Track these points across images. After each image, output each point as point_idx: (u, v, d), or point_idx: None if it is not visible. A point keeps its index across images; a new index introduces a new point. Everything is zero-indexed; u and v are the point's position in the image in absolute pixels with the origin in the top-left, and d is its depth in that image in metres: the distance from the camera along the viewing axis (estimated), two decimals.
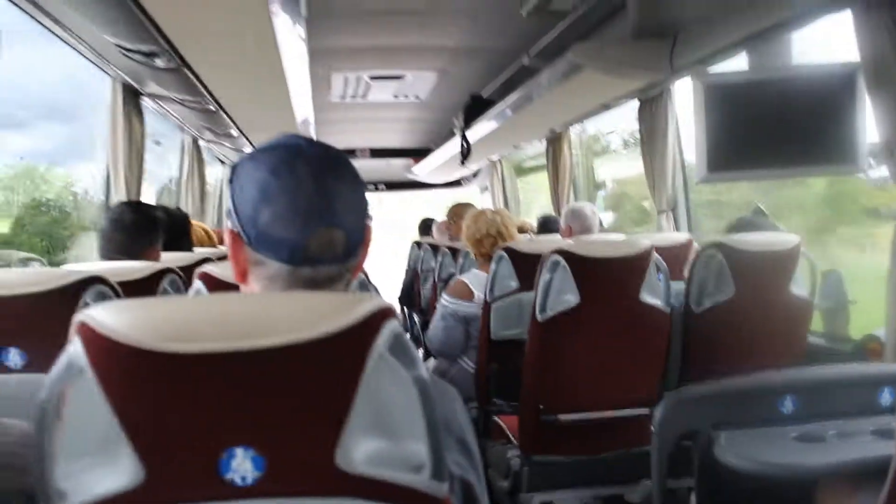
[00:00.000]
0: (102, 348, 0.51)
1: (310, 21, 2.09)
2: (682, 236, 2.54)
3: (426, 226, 5.44)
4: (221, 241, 2.95)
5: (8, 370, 1.07)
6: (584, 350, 1.74)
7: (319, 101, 3.81)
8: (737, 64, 1.89)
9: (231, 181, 0.75)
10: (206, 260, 1.94)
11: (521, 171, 6.06)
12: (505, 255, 2.04)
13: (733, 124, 1.57)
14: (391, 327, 0.56)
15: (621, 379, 1.75)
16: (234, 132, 3.54)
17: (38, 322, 1.07)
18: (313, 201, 0.71)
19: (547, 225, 3.39)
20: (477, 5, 2.58)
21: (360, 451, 0.55)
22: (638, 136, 3.02)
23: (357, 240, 0.76)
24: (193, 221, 2.67)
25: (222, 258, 2.03)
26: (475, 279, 2.28)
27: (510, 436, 1.94)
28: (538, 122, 3.75)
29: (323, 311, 0.55)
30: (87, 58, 2.32)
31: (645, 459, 0.96)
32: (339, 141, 5.32)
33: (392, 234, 9.57)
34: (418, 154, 5.93)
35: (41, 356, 1.06)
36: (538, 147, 4.44)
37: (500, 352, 2.04)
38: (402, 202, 8.81)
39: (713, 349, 1.73)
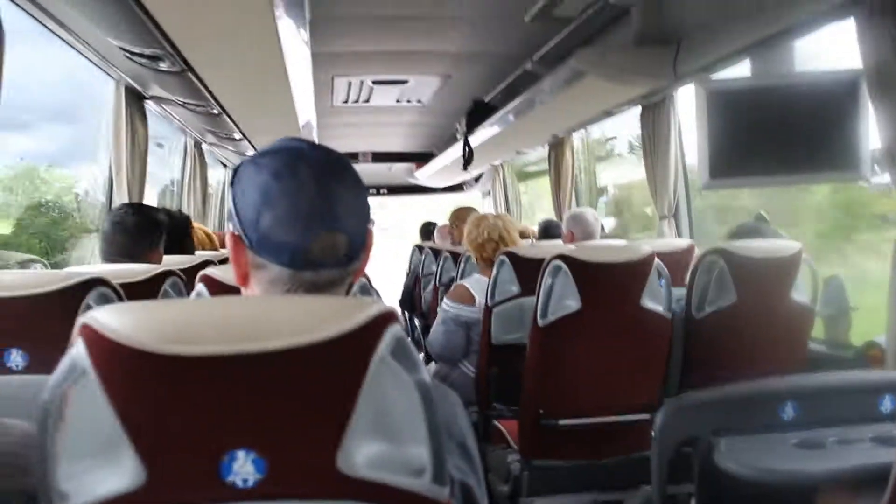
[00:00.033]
0: (105, 350, 0.52)
1: (313, 25, 2.10)
2: (683, 242, 2.55)
3: (428, 230, 5.44)
4: (223, 244, 2.95)
5: (10, 371, 1.08)
6: (584, 355, 1.74)
7: (322, 105, 3.82)
8: (740, 71, 1.90)
9: (233, 184, 0.76)
10: (207, 263, 1.95)
11: (524, 175, 6.06)
12: (506, 259, 2.04)
13: (736, 131, 1.57)
14: (394, 331, 0.56)
15: (622, 384, 1.75)
16: (237, 135, 3.55)
17: (40, 323, 1.08)
18: (315, 205, 0.71)
19: (549, 230, 3.39)
20: (480, 11, 2.59)
21: (362, 454, 0.55)
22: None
23: (359, 244, 0.76)
24: (195, 224, 2.68)
25: (223, 261, 2.04)
26: (476, 284, 2.28)
27: (510, 440, 1.94)
28: (541, 127, 3.75)
29: (326, 314, 0.55)
30: (90, 60, 2.33)
31: (645, 465, 0.95)
32: (341, 145, 5.32)
33: (393, 238, 9.58)
34: (420, 158, 5.93)
35: (43, 357, 1.06)
36: (542, 151, 4.45)
37: (501, 356, 2.04)
38: (404, 206, 8.83)
39: (714, 355, 1.73)
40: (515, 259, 2.04)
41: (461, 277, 2.60)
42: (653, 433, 0.94)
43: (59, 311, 1.07)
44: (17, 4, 1.80)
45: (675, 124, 2.82)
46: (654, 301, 1.73)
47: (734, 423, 0.89)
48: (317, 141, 0.92)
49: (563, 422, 1.73)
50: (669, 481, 0.91)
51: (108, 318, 0.52)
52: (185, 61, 2.09)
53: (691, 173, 2.92)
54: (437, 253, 3.71)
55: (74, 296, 1.10)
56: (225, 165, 5.06)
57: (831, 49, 1.95)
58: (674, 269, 1.90)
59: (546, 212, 4.81)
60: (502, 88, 3.55)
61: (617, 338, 1.72)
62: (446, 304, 2.32)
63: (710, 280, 1.72)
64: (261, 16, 1.72)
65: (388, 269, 6.56)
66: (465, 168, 4.43)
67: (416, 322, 4.37)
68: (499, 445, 2.00)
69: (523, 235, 3.12)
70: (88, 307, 1.10)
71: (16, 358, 1.08)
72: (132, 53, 1.99)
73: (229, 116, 3.06)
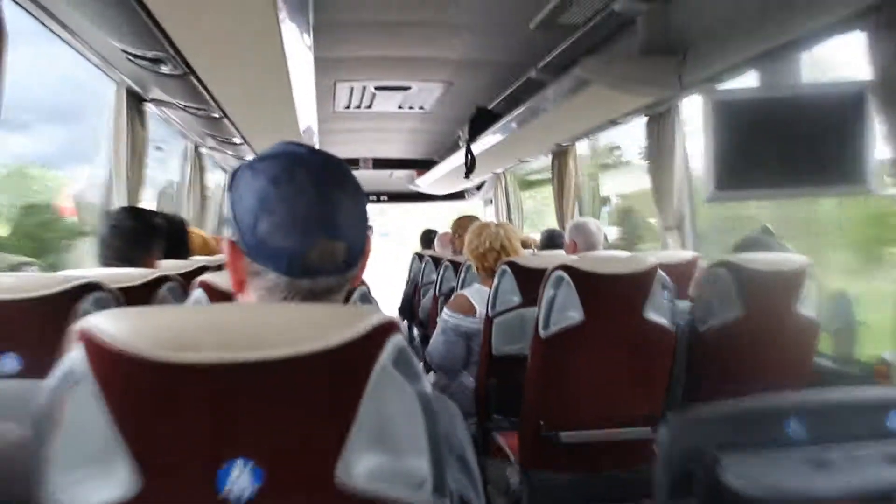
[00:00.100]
0: (104, 357, 0.52)
1: (316, 30, 2.10)
2: (688, 254, 2.54)
3: (428, 238, 5.44)
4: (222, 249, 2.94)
5: (4, 376, 1.07)
6: (586, 367, 1.73)
7: (323, 111, 3.83)
8: (746, 81, 1.90)
9: (230, 189, 0.75)
10: (204, 268, 1.95)
11: (528, 184, 6.06)
12: (508, 269, 2.04)
13: (742, 142, 1.57)
14: (395, 341, 0.56)
15: (624, 397, 1.75)
16: (237, 139, 3.56)
17: (36, 327, 1.07)
18: (313, 211, 0.71)
19: (552, 240, 3.39)
20: (484, 18, 2.60)
21: (362, 465, 0.55)
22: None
23: (357, 251, 0.75)
24: (193, 229, 2.68)
25: (220, 266, 2.04)
26: (477, 294, 2.28)
27: (509, 453, 1.92)
28: (544, 136, 3.76)
29: (327, 323, 0.55)
30: (91, 62, 2.34)
31: (647, 479, 0.95)
32: (342, 150, 5.35)
33: (393, 244, 9.59)
34: (422, 165, 5.94)
35: (38, 362, 1.06)
36: (546, 160, 4.46)
37: (501, 367, 2.04)
38: (405, 212, 8.83)
39: (719, 369, 1.72)
40: (517, 269, 2.03)
41: (462, 287, 2.60)
42: (656, 447, 0.93)
43: (55, 315, 1.07)
44: (19, 5, 1.81)
45: (680, 135, 2.83)
46: (657, 313, 1.73)
47: (739, 439, 0.88)
48: (318, 146, 0.92)
49: (564, 434, 1.72)
50: (672, 497, 0.91)
51: (107, 324, 0.52)
52: (186, 64, 2.09)
53: (696, 183, 2.91)
54: (437, 261, 3.71)
55: (70, 300, 1.10)
56: (224, 170, 5.07)
57: (836, 60, 1.95)
58: (678, 281, 1.89)
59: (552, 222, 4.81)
60: (505, 96, 3.56)
61: (619, 350, 1.72)
62: (446, 314, 2.31)
63: (715, 293, 1.72)
64: (264, 20, 1.73)
65: (387, 274, 6.56)
66: (466, 176, 4.43)
67: (416, 331, 4.36)
68: (498, 458, 1.99)
69: (524, 245, 3.12)
70: (85, 312, 1.10)
71: (10, 362, 1.08)
72: (134, 56, 2.00)
73: (230, 120, 3.07)
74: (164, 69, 2.13)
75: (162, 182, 3.92)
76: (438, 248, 4.73)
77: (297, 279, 0.72)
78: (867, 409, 0.88)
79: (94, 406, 0.52)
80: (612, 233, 4.40)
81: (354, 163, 5.83)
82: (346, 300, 0.80)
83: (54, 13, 1.89)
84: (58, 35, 2.06)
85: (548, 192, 4.67)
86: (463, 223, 3.66)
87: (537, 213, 5.98)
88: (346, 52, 3.02)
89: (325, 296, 0.74)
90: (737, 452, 0.86)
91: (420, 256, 4.59)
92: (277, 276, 0.71)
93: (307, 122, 3.33)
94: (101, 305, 1.12)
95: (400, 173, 6.24)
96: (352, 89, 3.73)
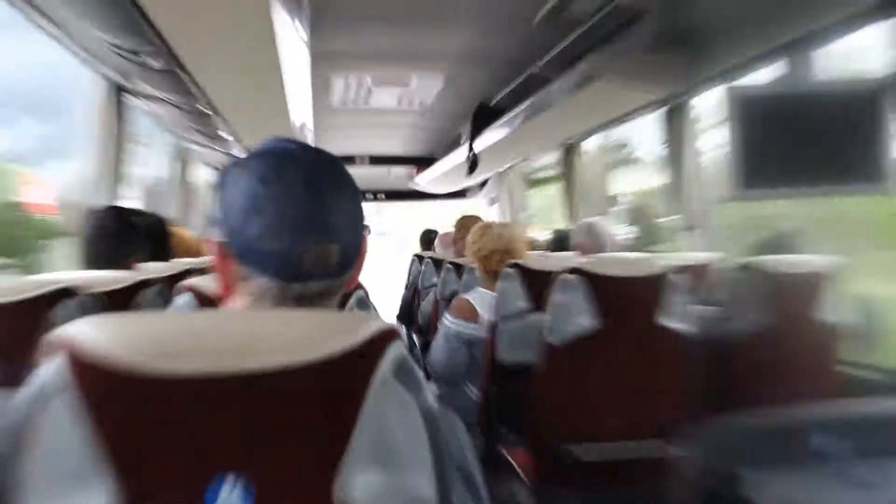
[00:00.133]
0: (86, 368, 0.51)
1: (312, 22, 2.10)
2: (707, 255, 2.53)
3: (428, 238, 5.43)
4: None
5: None
6: (599, 377, 1.72)
7: (319, 106, 3.84)
8: (765, 75, 1.89)
9: (218, 189, 0.75)
10: (189, 271, 1.94)
11: (536, 182, 6.05)
12: (514, 272, 2.03)
13: (765, 139, 1.57)
14: (396, 350, 0.55)
15: (641, 409, 1.74)
16: (226, 136, 3.55)
17: (7, 336, 1.06)
18: (304, 211, 0.71)
19: (563, 241, 3.38)
20: (487, 10, 2.60)
21: (360, 483, 0.54)
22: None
23: (352, 253, 0.75)
24: (177, 229, 2.67)
25: (204, 270, 2.02)
26: (481, 299, 2.27)
27: (517, 469, 1.91)
28: (551, 132, 3.76)
29: (323, 331, 0.54)
30: (72, 52, 2.33)
31: (667, 499, 0.94)
32: (337, 147, 5.37)
33: (391, 245, 9.59)
34: (421, 163, 5.95)
35: (11, 374, 1.05)
36: (555, 156, 4.47)
37: (507, 377, 2.02)
38: (403, 212, 8.84)
39: (742, 379, 1.71)
40: (524, 272, 2.02)
41: (464, 291, 2.59)
42: (675, 464, 0.92)
43: (28, 323, 1.06)
44: None
45: (696, 131, 2.83)
46: (675, 319, 1.72)
47: (766, 456, 0.87)
48: (312, 142, 0.91)
49: (575, 449, 1.71)
50: None
51: (88, 331, 0.51)
52: (174, 56, 2.09)
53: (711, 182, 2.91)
54: (438, 264, 3.71)
55: (45, 306, 1.09)
56: (214, 168, 5.07)
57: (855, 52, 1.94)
58: (697, 284, 1.88)
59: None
60: (509, 91, 3.57)
61: (635, 359, 1.71)
62: (447, 320, 2.30)
63: (736, 297, 1.71)
64: (256, 9, 1.72)
65: (385, 277, 6.56)
66: (469, 173, 4.43)
67: (415, 338, 4.36)
68: (504, 474, 1.97)
69: (531, 248, 3.11)
70: (62, 319, 1.09)
71: None
72: (117, 47, 1.99)
73: (219, 115, 3.07)
74: (149, 61, 2.12)
75: (148, 179, 3.92)
76: (439, 250, 4.71)
77: (289, 283, 0.71)
78: None
79: (73, 422, 0.51)
80: (625, 233, 4.40)
81: (350, 160, 5.85)
82: (343, 305, 0.79)
83: (34, 2, 1.88)
84: (38, 24, 2.05)
85: (555, 190, 4.67)
86: (466, 223, 3.65)
87: (547, 209, 5.94)
88: (342, 44, 3.02)
89: (319, 301, 0.73)
90: (765, 469, 0.84)
91: (420, 258, 4.58)
92: (267, 280, 0.71)
93: (301, 117, 3.33)
94: (80, 312, 1.11)
95: (398, 170, 6.25)
96: (348, 84, 3.74)
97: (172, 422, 0.51)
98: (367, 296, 1.37)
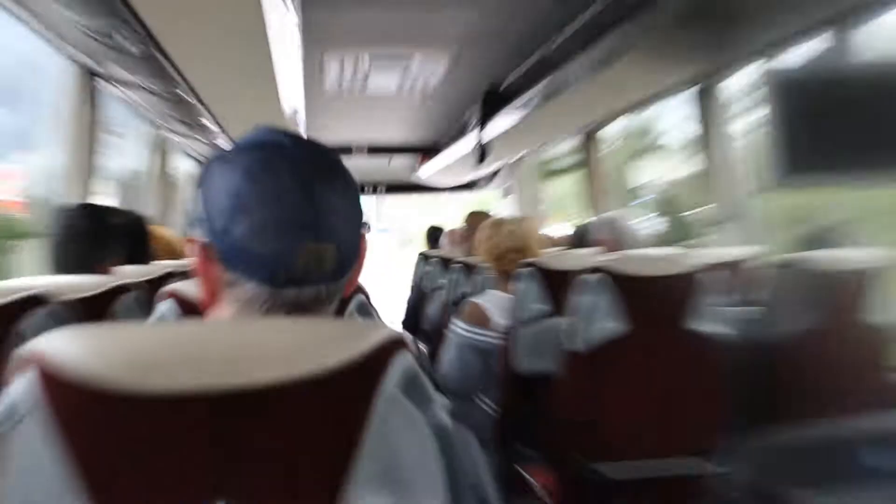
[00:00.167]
0: (60, 385, 0.51)
1: None
2: (743, 251, 2.53)
3: (434, 235, 5.44)
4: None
5: None
6: (626, 387, 1.72)
7: (311, 90, 3.84)
8: (807, 51, 1.89)
9: (201, 184, 0.75)
10: (170, 274, 1.95)
11: (552, 172, 6.05)
12: (531, 272, 2.03)
13: (810, 123, 1.56)
14: (403, 362, 0.55)
15: (673, 423, 1.73)
16: (210, 124, 3.57)
17: None
18: (298, 211, 0.70)
19: (585, 237, 3.38)
20: None
21: None
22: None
23: (350, 255, 0.75)
24: (157, 228, 2.68)
25: (186, 274, 2.03)
26: (493, 302, 2.26)
27: (537, 490, 1.91)
28: (568, 118, 3.76)
29: (319, 342, 0.54)
30: (40, 34, 2.34)
31: None
32: (332, 135, 5.38)
33: (394, 243, 9.61)
34: (425, 152, 5.96)
35: None
36: (573, 144, 4.47)
37: (526, 389, 2.02)
38: (406, 206, 8.86)
39: (785, 389, 1.71)
40: (540, 272, 2.02)
41: (476, 293, 2.59)
42: (715, 483, 0.92)
43: None
44: None
45: (732, 115, 2.82)
46: (712, 322, 1.71)
47: (815, 472, 0.87)
48: (304, 130, 0.91)
49: (603, 468, 1.70)
50: None
51: (62, 345, 0.51)
52: (150, 37, 2.09)
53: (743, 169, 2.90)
54: (445, 263, 3.71)
55: (12, 316, 1.09)
56: (198, 161, 5.09)
57: None
58: (733, 283, 1.88)
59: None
60: (521, 73, 3.56)
61: (665, 366, 1.71)
62: (458, 327, 2.30)
63: (777, 297, 1.70)
64: None
65: (387, 277, 6.57)
66: (479, 163, 4.44)
67: (421, 346, 4.36)
68: (524, 497, 1.97)
69: (550, 245, 3.11)
70: (32, 330, 1.09)
71: None
72: (88, 28, 2.00)
73: (201, 101, 3.08)
74: (124, 43, 2.13)
75: (124, 173, 3.94)
76: (447, 248, 4.72)
77: (280, 289, 0.71)
78: None
79: (45, 442, 0.51)
80: (651, 227, 4.39)
81: (347, 150, 5.86)
82: (341, 312, 0.79)
83: None
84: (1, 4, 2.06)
85: (573, 181, 4.68)
86: (477, 218, 3.65)
87: (565, 201, 5.92)
88: (336, 20, 3.02)
89: (314, 307, 0.73)
90: (813, 489, 0.84)
91: (426, 257, 4.59)
92: (256, 285, 0.70)
93: (292, 103, 3.33)
94: (51, 322, 1.11)
95: (400, 161, 6.26)
96: (343, 65, 3.74)
97: (152, 443, 0.51)
98: (369, 300, 1.37)
